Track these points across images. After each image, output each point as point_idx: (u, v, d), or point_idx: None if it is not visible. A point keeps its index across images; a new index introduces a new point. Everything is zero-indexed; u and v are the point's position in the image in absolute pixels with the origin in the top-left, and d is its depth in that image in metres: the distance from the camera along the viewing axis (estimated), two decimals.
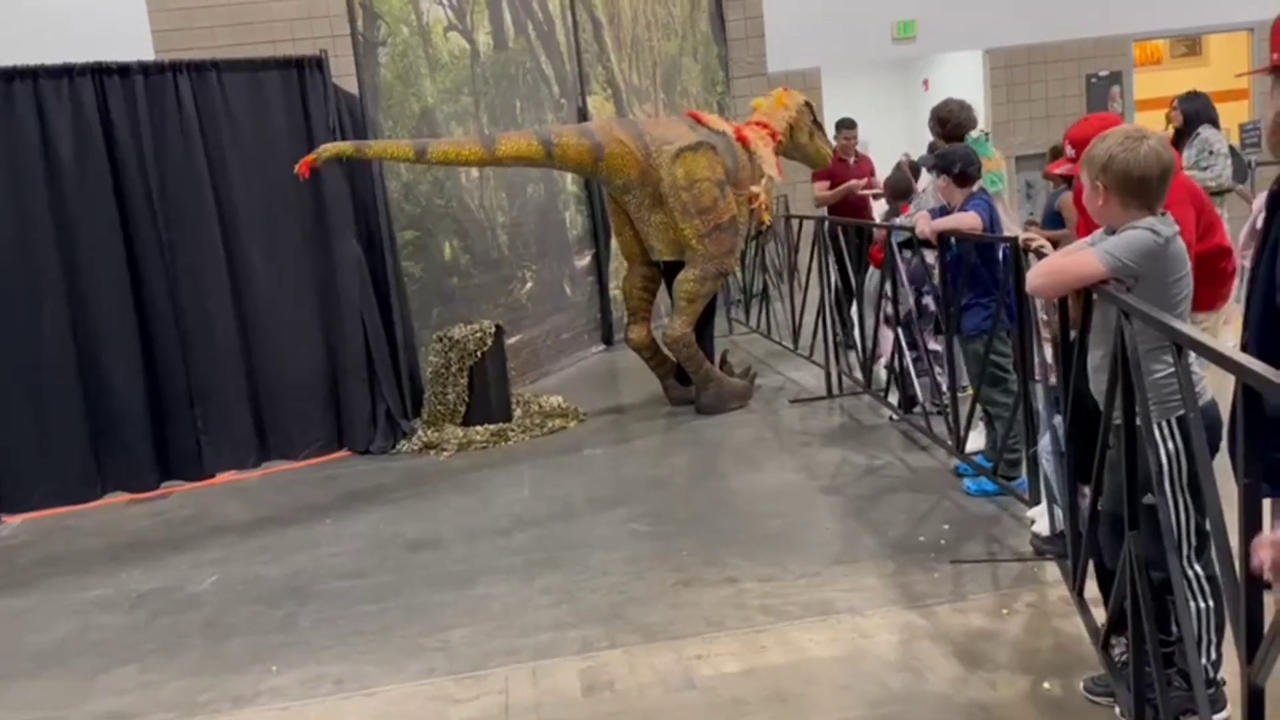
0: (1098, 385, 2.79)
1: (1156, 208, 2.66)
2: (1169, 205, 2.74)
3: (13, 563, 5.15)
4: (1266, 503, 2.03)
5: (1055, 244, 3.81)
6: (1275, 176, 2.19)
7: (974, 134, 5.73)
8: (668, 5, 10.27)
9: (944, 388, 5.16)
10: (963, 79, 11.39)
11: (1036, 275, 2.95)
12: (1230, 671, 2.44)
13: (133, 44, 8.34)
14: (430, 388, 6.58)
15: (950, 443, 5.00)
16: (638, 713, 3.12)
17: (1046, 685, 3.02)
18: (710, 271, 6.39)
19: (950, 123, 5.62)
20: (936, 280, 5.01)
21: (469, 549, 4.64)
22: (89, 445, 5.96)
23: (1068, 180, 4.89)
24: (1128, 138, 2.64)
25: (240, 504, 5.76)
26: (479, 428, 6.46)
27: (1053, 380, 3.61)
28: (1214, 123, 6.75)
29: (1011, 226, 4.96)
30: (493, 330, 6.63)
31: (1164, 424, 2.58)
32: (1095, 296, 2.75)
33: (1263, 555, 1.67)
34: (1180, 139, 6.73)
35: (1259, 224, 2.32)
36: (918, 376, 5.55)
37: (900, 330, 5.64)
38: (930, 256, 5.08)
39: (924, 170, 6.07)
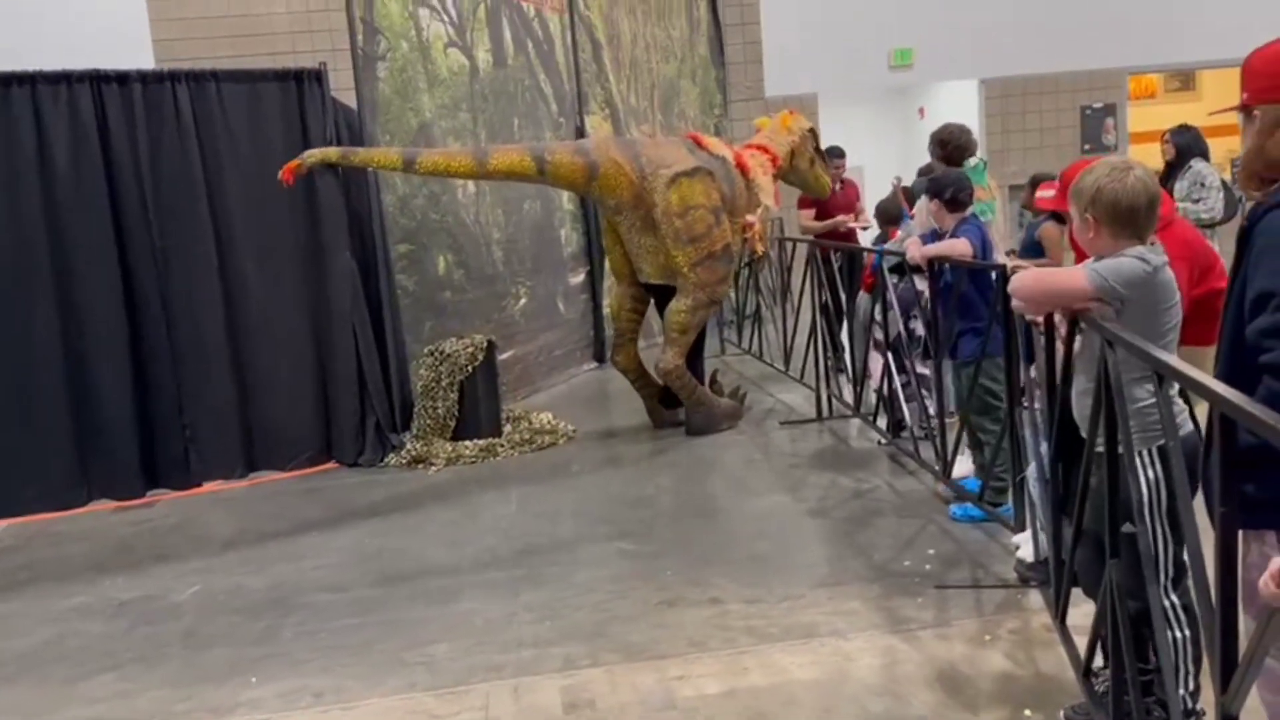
0: (1081, 411, 2.81)
1: (1147, 237, 2.67)
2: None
3: None
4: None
5: None
6: (1247, 212, 2.22)
7: (972, 161, 5.76)
8: (667, 28, 10.34)
9: (931, 412, 5.18)
10: (958, 107, 11.45)
11: (1021, 282, 2.94)
12: (1208, 702, 2.43)
13: (134, 53, 8.37)
14: (420, 401, 6.56)
15: (937, 468, 5.01)
16: None
17: (1028, 713, 3.02)
18: (702, 300, 6.32)
19: (951, 145, 5.67)
20: (926, 305, 5.03)
21: (454, 564, 4.62)
22: (76, 451, 5.95)
23: (1052, 213, 4.94)
24: (1114, 169, 2.67)
25: (226, 514, 5.75)
26: (468, 443, 6.45)
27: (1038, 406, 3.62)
28: (1205, 156, 6.82)
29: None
30: (484, 345, 6.63)
31: (1145, 452, 2.59)
32: (1082, 325, 2.77)
33: (1275, 587, 1.63)
34: (1172, 172, 6.79)
35: None
36: (906, 401, 5.57)
37: (889, 355, 5.66)
38: (920, 282, 5.11)
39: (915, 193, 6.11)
